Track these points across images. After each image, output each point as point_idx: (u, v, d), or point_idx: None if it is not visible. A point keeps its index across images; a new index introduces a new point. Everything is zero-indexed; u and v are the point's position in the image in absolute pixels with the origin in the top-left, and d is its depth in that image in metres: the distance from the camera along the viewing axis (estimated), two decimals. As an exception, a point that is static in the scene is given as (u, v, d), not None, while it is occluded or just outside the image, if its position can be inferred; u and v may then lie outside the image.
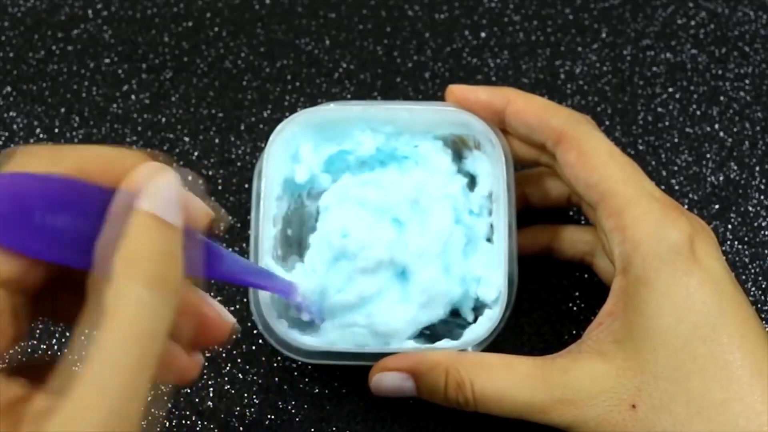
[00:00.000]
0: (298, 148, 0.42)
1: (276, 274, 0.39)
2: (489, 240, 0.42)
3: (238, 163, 0.49)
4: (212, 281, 0.45)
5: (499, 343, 0.40)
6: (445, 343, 0.40)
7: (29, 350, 0.44)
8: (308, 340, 0.39)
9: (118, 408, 0.25)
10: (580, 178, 0.38)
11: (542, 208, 0.45)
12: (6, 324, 0.27)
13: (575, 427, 0.36)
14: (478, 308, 0.41)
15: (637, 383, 0.35)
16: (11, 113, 0.50)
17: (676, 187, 0.48)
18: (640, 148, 0.49)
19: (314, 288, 0.40)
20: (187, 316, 0.29)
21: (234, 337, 0.34)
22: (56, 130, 0.49)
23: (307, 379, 0.43)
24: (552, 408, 0.36)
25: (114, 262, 0.26)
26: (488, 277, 0.40)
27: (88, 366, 0.25)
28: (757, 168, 0.49)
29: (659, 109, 0.50)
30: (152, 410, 0.30)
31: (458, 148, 0.43)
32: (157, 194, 0.27)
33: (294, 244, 0.43)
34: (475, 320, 0.40)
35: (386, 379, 0.38)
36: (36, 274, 0.27)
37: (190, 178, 0.31)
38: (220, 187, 0.48)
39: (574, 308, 0.45)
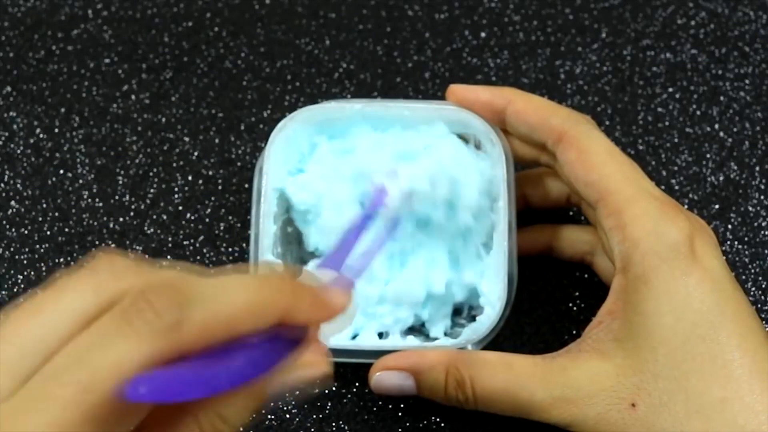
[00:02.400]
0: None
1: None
2: (488, 239, 0.42)
3: (238, 163, 0.49)
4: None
5: (499, 342, 0.40)
6: (444, 341, 0.40)
7: None
8: None
9: None
10: (579, 176, 0.38)
11: (542, 208, 0.45)
12: None
13: (574, 426, 0.36)
14: (478, 307, 0.41)
15: (636, 382, 0.35)
16: (11, 113, 0.50)
17: (676, 187, 0.48)
18: (640, 148, 0.49)
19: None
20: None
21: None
22: (56, 130, 0.49)
23: (307, 379, 0.43)
24: (551, 406, 0.36)
25: None
26: (488, 276, 0.40)
27: None
28: (757, 168, 0.49)
29: (659, 109, 0.50)
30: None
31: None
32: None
33: (294, 242, 0.43)
34: (474, 319, 0.40)
35: (386, 378, 0.38)
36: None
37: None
38: (220, 187, 0.48)
39: (574, 308, 0.45)
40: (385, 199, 0.39)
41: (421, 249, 0.41)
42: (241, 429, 0.42)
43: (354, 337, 0.41)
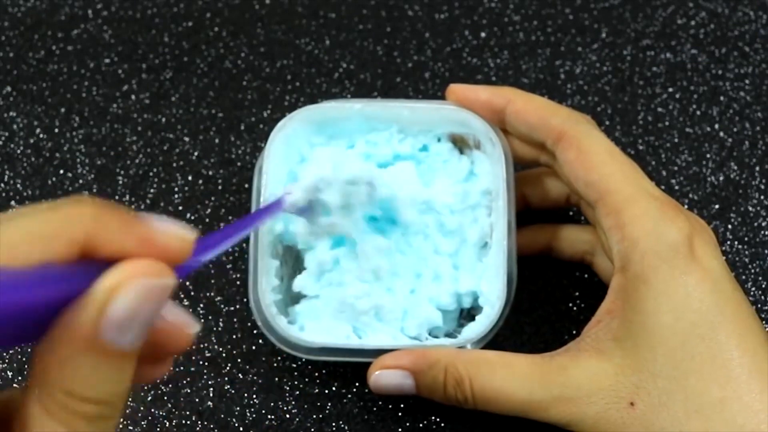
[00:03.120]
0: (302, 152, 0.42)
1: (257, 212, 0.38)
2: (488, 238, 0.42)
3: (238, 163, 0.49)
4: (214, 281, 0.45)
5: (499, 342, 0.40)
6: (444, 340, 0.40)
7: None
8: (308, 337, 0.39)
9: None
10: (579, 176, 0.38)
11: (542, 208, 0.45)
12: None
13: (574, 425, 0.36)
14: (477, 306, 0.41)
15: (635, 381, 0.35)
16: (11, 113, 0.50)
17: (676, 187, 0.48)
18: (640, 148, 0.49)
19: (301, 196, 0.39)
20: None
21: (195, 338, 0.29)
22: (56, 130, 0.49)
23: (307, 379, 0.43)
24: (550, 405, 0.36)
25: (55, 394, 0.23)
26: (487, 275, 0.40)
27: None
28: (757, 168, 0.49)
29: (659, 109, 0.50)
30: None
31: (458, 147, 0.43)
32: (121, 316, 0.23)
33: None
34: (474, 318, 0.40)
35: (385, 377, 0.38)
36: None
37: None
38: (220, 187, 0.48)
39: (574, 308, 0.45)
40: (285, 200, 0.38)
41: (426, 267, 0.41)
42: (239, 428, 0.42)
43: None
